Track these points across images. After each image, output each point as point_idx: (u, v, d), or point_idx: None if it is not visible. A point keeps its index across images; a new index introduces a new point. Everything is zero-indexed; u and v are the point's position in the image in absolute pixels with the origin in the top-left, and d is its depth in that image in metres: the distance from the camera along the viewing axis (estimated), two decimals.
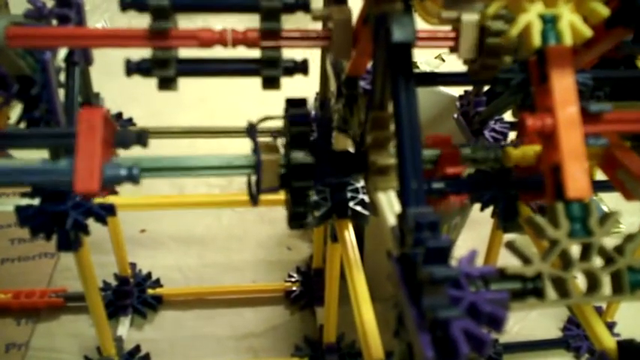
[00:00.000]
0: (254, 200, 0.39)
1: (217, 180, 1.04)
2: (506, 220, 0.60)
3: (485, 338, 0.25)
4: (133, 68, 0.37)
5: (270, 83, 0.38)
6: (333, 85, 0.52)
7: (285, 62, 0.38)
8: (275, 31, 0.37)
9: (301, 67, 0.38)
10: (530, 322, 0.85)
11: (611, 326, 0.77)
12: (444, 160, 0.41)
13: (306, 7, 0.37)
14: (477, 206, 0.66)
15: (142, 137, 0.41)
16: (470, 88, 0.66)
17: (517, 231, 0.63)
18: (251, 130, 0.39)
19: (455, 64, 0.45)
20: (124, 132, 0.40)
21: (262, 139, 0.39)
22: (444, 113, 0.79)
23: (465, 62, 0.42)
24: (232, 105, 1.22)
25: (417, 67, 1.43)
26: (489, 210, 0.65)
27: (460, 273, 0.27)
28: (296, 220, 0.40)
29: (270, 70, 0.38)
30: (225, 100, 1.23)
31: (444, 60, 1.41)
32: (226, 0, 0.38)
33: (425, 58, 1.41)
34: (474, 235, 0.89)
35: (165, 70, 0.37)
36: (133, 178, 0.38)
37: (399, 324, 0.30)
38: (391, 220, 0.33)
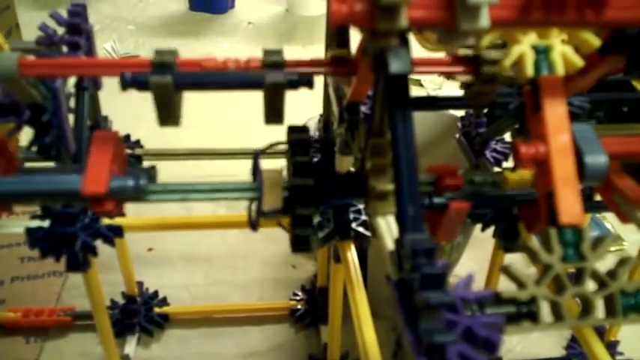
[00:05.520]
0: (253, 226, 0.40)
1: None
2: (506, 240, 0.61)
3: None
4: (128, 80, 0.37)
5: (274, 116, 0.39)
6: (336, 109, 0.53)
7: (289, 75, 0.37)
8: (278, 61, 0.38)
9: (306, 81, 0.38)
10: (533, 340, 0.85)
11: (613, 345, 0.77)
12: (444, 174, 0.42)
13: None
14: (479, 225, 0.67)
15: (151, 174, 0.41)
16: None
17: (518, 251, 0.64)
18: (255, 157, 0.40)
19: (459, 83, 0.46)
20: (134, 169, 0.41)
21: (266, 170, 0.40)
22: (445, 133, 0.80)
23: (463, 87, 0.44)
24: (238, 123, 1.24)
25: (421, 85, 1.44)
26: (492, 229, 0.66)
27: (455, 299, 0.28)
28: (299, 244, 0.41)
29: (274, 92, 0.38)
30: (230, 118, 1.24)
31: (447, 78, 1.42)
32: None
33: (429, 77, 1.43)
34: (476, 253, 0.90)
35: (163, 76, 0.36)
36: (140, 189, 0.38)
37: (397, 347, 0.30)
38: (390, 245, 0.34)
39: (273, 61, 0.37)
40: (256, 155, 0.41)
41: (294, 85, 0.38)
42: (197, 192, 0.41)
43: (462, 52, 0.40)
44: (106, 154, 0.37)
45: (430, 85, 1.43)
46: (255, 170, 0.40)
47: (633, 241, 0.99)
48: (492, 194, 0.45)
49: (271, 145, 0.42)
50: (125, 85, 0.37)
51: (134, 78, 0.37)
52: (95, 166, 0.37)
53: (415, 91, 1.32)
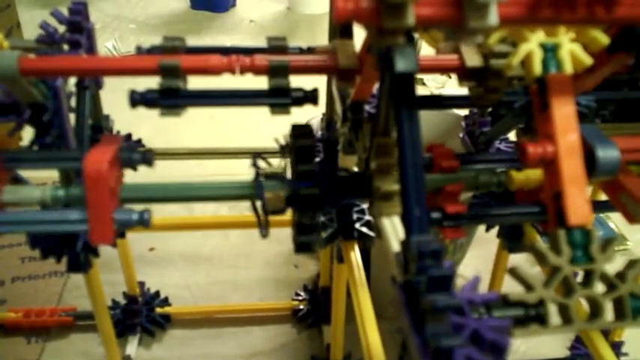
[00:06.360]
0: (263, 231, 0.40)
1: None
2: (511, 240, 0.60)
3: None
4: (137, 99, 0.37)
5: (280, 108, 0.39)
6: (339, 108, 0.52)
7: (294, 91, 0.38)
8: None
9: (311, 97, 0.38)
10: (537, 341, 0.85)
11: (618, 346, 0.76)
12: (446, 195, 0.41)
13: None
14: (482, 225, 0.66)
15: (147, 157, 0.41)
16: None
17: (522, 251, 0.64)
18: (257, 175, 0.40)
19: None
20: (129, 153, 0.41)
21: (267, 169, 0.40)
22: (449, 132, 0.79)
23: (468, 86, 0.43)
24: (241, 121, 1.23)
25: (424, 84, 1.44)
26: (496, 228, 0.65)
27: (462, 301, 0.28)
28: (302, 247, 0.41)
29: (280, 99, 0.39)
30: (233, 116, 1.24)
31: (450, 77, 1.42)
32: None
33: (432, 75, 1.42)
34: (480, 252, 0.89)
35: (172, 100, 0.37)
36: (144, 223, 0.40)
37: (403, 350, 0.30)
38: (395, 246, 0.34)
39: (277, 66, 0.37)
40: (257, 171, 0.41)
41: (298, 101, 0.39)
42: (198, 198, 0.41)
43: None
44: (103, 193, 0.37)
45: (433, 83, 1.43)
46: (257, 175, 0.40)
47: (637, 241, 0.99)
48: (494, 213, 0.44)
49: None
50: (134, 103, 0.37)
51: (143, 96, 0.38)
52: (97, 211, 0.37)
53: (418, 90, 1.32)
